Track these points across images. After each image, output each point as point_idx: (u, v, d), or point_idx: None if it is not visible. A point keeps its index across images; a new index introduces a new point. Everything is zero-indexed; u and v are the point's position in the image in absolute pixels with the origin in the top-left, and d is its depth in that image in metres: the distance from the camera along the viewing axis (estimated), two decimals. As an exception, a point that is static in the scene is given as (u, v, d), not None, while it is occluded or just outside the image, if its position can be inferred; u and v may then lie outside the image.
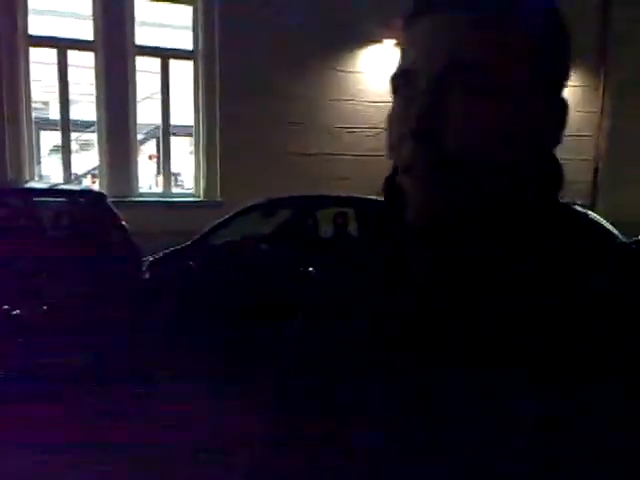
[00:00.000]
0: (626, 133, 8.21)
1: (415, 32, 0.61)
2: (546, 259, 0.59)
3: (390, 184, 0.67)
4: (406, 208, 0.62)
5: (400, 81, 0.63)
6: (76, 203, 5.06)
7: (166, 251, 5.67)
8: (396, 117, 0.63)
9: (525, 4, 0.60)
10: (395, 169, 0.67)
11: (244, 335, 4.97)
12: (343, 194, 5.92)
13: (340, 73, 7.55)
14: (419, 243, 0.62)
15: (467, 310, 0.58)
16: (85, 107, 9.15)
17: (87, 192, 5.60)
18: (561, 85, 0.63)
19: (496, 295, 0.58)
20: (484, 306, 0.58)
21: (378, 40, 7.43)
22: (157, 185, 9.34)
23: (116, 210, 5.03)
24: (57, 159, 10.60)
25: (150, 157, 9.97)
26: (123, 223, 5.10)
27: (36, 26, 7.01)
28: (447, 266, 0.61)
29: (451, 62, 0.57)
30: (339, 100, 7.57)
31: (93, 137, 10.71)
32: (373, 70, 7.58)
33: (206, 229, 5.65)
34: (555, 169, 0.64)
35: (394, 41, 7.45)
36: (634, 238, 5.40)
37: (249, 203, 5.68)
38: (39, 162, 7.79)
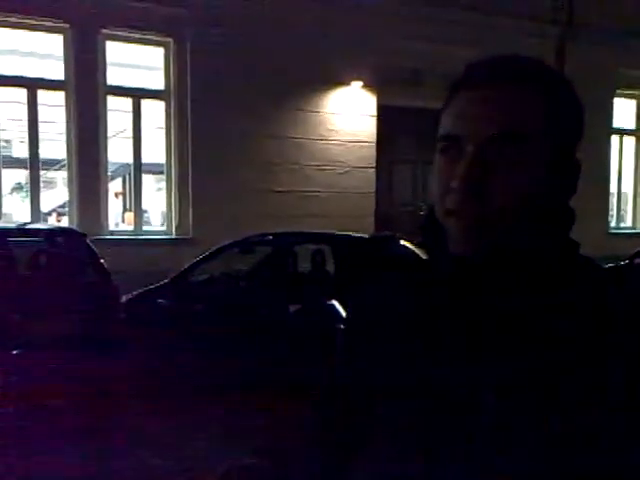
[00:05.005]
0: None
1: (460, 101, 0.73)
2: (560, 288, 0.70)
3: (431, 222, 0.77)
4: (448, 242, 0.74)
5: (446, 143, 0.74)
6: (55, 243, 5.01)
7: (143, 289, 5.65)
8: (442, 172, 0.74)
9: (549, 78, 0.74)
10: (431, 210, 0.78)
11: (226, 372, 4.96)
12: (318, 230, 6.06)
13: (310, 114, 7.77)
14: (459, 270, 0.73)
15: (503, 337, 0.69)
16: (48, 145, 9.08)
17: (66, 231, 5.55)
18: (576, 146, 0.75)
19: (525, 325, 0.69)
20: (513, 334, 0.69)
21: (346, 83, 7.72)
22: (124, 222, 9.29)
23: (95, 249, 5.01)
24: (19, 197, 10.42)
25: (116, 195, 9.90)
26: (102, 262, 5.09)
27: (6, 66, 6.99)
28: (487, 299, 0.71)
29: (495, 132, 0.70)
30: (309, 139, 7.78)
31: (55, 175, 10.62)
32: (342, 111, 7.84)
33: (184, 266, 5.67)
34: (569, 213, 0.76)
35: (361, 83, 7.76)
36: None
37: (222, 240, 5.73)
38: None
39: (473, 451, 0.67)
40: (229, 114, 7.21)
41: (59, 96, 7.21)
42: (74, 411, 4.23)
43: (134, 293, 5.52)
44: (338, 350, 0.87)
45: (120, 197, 10.18)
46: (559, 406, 0.64)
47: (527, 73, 0.72)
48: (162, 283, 5.54)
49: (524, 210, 0.70)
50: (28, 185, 7.65)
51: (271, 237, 5.69)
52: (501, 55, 0.75)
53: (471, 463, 0.67)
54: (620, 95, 9.97)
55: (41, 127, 7.33)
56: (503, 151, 0.69)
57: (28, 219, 7.18)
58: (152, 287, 5.54)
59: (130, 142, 7.55)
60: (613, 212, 10.42)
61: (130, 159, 7.64)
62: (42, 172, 7.98)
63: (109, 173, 7.80)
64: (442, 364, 0.71)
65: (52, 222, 8.90)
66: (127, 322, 5.27)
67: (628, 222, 10.65)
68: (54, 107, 7.73)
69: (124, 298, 5.46)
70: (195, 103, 7.27)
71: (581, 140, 0.76)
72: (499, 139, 0.69)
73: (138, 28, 7.13)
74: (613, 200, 10.40)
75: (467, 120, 0.71)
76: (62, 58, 7.07)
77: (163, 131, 7.56)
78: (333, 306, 4.90)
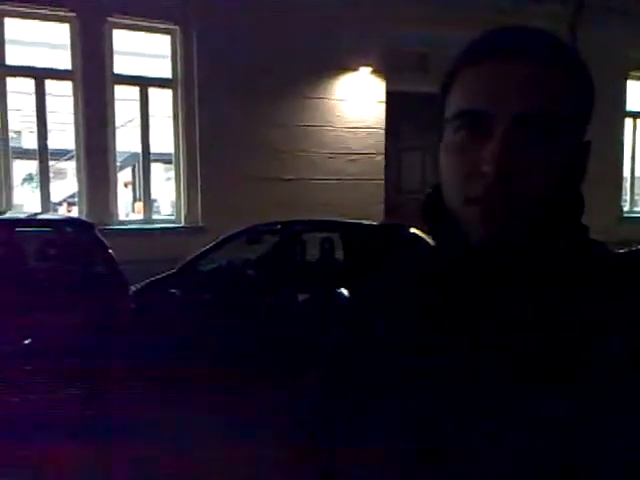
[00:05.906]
0: None
1: (476, 76, 0.67)
2: (572, 271, 0.68)
3: (439, 208, 0.73)
4: (462, 229, 0.69)
5: (464, 120, 0.68)
6: (62, 233, 5.02)
7: (151, 279, 5.65)
8: (459, 154, 0.69)
9: (569, 55, 0.70)
10: (434, 195, 0.74)
11: (235, 362, 4.96)
12: (327, 218, 6.03)
13: (317, 100, 7.70)
14: (477, 260, 0.69)
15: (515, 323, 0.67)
16: (58, 135, 9.10)
17: (74, 221, 5.55)
18: (586, 128, 0.72)
19: (538, 307, 0.66)
20: (527, 319, 0.66)
21: (354, 68, 7.64)
22: (134, 212, 9.30)
23: (104, 239, 5.01)
24: (29, 188, 10.47)
25: (126, 184, 9.92)
26: (110, 252, 5.09)
27: (13, 56, 6.98)
28: (501, 282, 0.68)
29: (526, 111, 0.65)
30: (317, 127, 7.72)
31: (66, 165, 10.65)
32: (350, 97, 7.77)
33: (192, 255, 5.66)
34: (579, 198, 0.73)
35: (370, 69, 7.67)
36: None
37: (231, 228, 5.72)
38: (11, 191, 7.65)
39: (476, 437, 0.64)
40: (236, 102, 7.16)
41: (66, 86, 7.20)
42: (83, 400, 4.27)
43: (142, 283, 5.52)
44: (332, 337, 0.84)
45: (129, 187, 10.20)
46: (562, 394, 0.63)
47: (548, 49, 0.68)
48: (170, 272, 5.54)
49: (548, 196, 0.67)
50: (38, 176, 7.66)
51: (279, 225, 5.67)
52: (517, 27, 0.70)
53: (474, 451, 0.65)
54: (633, 77, 9.81)
55: (49, 117, 7.33)
56: (533, 132, 0.65)
57: (39, 210, 7.21)
58: (160, 276, 5.54)
59: (138, 131, 7.53)
60: (626, 196, 10.29)
61: (139, 148, 7.62)
62: (52, 163, 8.00)
63: (118, 163, 7.79)
64: (451, 353, 0.68)
65: (63, 212, 8.94)
66: (136, 312, 5.28)
67: (641, 206, 10.54)
68: (62, 97, 7.72)
69: (133, 288, 5.47)
70: (202, 91, 7.23)
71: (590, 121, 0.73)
72: (530, 119, 0.65)
73: (144, 16, 7.08)
74: (626, 184, 10.27)
75: (493, 96, 0.66)
76: (69, 47, 7.05)
77: (171, 120, 7.53)
78: (342, 294, 4.88)
